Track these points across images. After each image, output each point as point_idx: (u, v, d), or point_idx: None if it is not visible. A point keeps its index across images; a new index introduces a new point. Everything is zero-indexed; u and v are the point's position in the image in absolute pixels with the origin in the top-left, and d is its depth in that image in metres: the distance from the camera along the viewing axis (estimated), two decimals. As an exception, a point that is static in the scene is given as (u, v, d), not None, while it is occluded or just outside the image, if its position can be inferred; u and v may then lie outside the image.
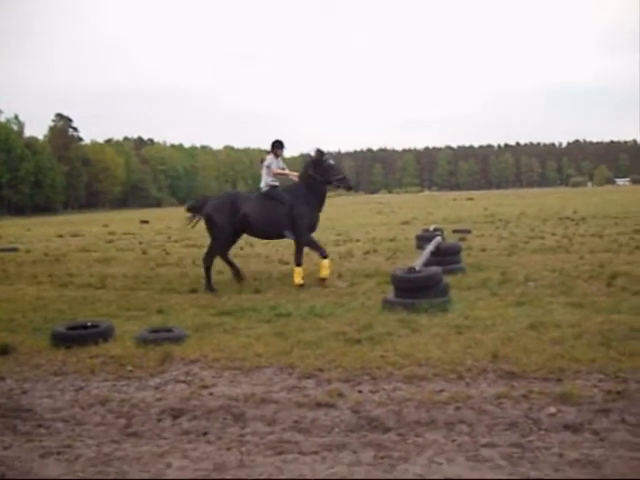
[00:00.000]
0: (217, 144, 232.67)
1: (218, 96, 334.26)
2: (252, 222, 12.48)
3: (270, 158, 12.90)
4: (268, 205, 12.52)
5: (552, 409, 5.11)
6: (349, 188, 13.32)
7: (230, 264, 13.07)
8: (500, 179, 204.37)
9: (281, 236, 12.75)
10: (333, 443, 4.66)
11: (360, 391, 5.74)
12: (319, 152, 12.76)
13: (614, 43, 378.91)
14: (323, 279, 12.01)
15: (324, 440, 4.73)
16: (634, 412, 4.97)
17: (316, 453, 4.51)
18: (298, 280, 12.01)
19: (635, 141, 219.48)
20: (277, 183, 12.89)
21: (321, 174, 12.57)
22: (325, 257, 12.22)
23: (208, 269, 12.38)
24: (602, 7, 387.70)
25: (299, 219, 12.36)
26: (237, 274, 12.85)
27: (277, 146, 13.08)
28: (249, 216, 12.43)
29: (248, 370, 6.50)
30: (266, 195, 12.69)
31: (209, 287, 11.99)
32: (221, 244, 12.82)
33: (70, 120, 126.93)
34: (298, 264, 12.29)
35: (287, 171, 13.28)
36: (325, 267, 12.10)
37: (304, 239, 12.48)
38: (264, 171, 12.95)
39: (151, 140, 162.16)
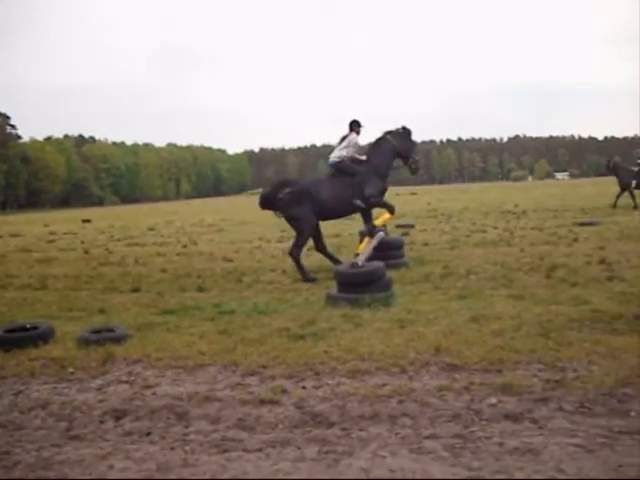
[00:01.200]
0: (160, 141, 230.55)
1: (159, 93, 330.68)
2: (329, 207, 12.66)
3: (357, 136, 13.17)
4: (338, 183, 12.85)
5: (493, 400, 5.19)
6: (416, 171, 13.85)
7: (328, 256, 13.10)
8: (443, 174, 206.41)
9: (353, 211, 13.16)
10: (277, 440, 4.66)
11: (304, 387, 5.75)
12: (407, 129, 13.43)
13: (554, 40, 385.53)
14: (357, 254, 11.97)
15: (268, 437, 4.72)
16: (571, 400, 5.09)
17: (260, 450, 4.50)
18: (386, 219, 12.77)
19: (573, 136, 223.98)
20: (364, 157, 13.18)
21: (404, 148, 13.24)
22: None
23: (298, 261, 12.22)
24: (524, 8, 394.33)
25: (370, 187, 12.75)
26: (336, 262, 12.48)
27: (358, 124, 13.25)
28: (325, 201, 12.59)
29: (191, 369, 6.46)
30: (337, 171, 13.11)
31: (306, 278, 11.83)
32: (307, 236, 12.77)
33: (7, 117, 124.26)
34: (371, 235, 12.54)
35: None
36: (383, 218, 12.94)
37: (376, 200, 12.89)
38: (342, 146, 13.09)
39: (92, 138, 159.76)
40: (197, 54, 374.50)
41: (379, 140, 13.39)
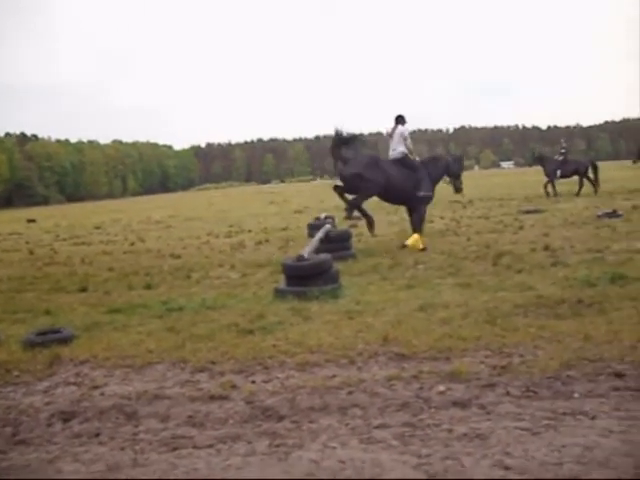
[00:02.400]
0: (105, 139, 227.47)
1: (104, 90, 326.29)
2: (393, 184, 13.94)
3: (406, 129, 14.38)
4: (404, 171, 14.16)
5: (441, 387, 5.24)
6: (459, 191, 16.00)
7: (365, 214, 14.39)
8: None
9: (405, 202, 14.57)
10: (228, 435, 4.65)
11: (253, 381, 5.74)
12: (461, 156, 16.51)
13: (499, 33, 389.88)
14: (405, 245, 13.49)
15: (218, 433, 4.71)
16: (517, 385, 5.17)
17: (211, 446, 4.48)
18: (418, 245, 13.41)
19: (517, 126, 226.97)
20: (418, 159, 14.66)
21: (455, 169, 15.40)
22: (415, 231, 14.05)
23: (361, 210, 14.17)
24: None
25: (425, 184, 14.22)
26: (371, 224, 14.42)
27: (403, 118, 14.48)
28: (391, 178, 13.88)
29: (140, 367, 6.39)
30: (400, 161, 14.23)
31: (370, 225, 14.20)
32: (366, 197, 14.15)
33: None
34: (415, 230, 14.11)
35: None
36: (415, 239, 13.64)
37: (425, 202, 14.50)
38: (398, 140, 14.29)
39: (35, 136, 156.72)
40: (141, 50, 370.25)
41: (437, 156, 15.64)
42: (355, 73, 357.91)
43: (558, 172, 28.48)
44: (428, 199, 14.53)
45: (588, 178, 28.49)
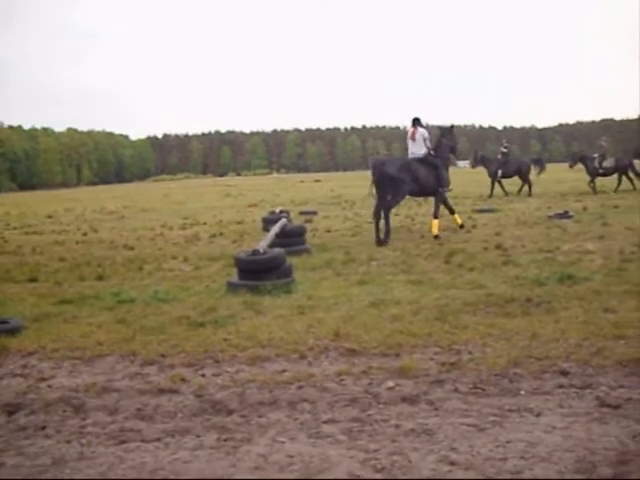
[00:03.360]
0: (60, 126, 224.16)
1: (58, 76, 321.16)
2: (420, 182, 14.92)
3: (425, 130, 15.51)
4: (428, 169, 15.11)
5: (390, 383, 5.29)
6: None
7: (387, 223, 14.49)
8: (347, 161, 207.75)
9: (431, 194, 15.60)
10: (176, 429, 4.63)
11: (203, 375, 5.72)
12: (453, 126, 16.78)
13: (464, 32, 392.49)
14: (436, 236, 14.58)
15: (167, 426, 4.68)
16: (465, 381, 5.24)
17: (159, 440, 4.45)
18: (435, 231, 14.77)
19: (474, 125, 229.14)
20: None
21: (454, 143, 16.38)
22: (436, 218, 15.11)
23: (377, 223, 14.36)
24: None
25: (443, 180, 15.34)
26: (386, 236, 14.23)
27: (420, 121, 15.67)
28: (420, 177, 14.89)
29: (89, 359, 6.33)
30: (424, 161, 15.17)
31: (379, 240, 13.92)
32: (400, 200, 15.14)
33: None
34: (436, 217, 15.14)
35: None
36: (435, 225, 14.92)
37: (445, 191, 15.71)
38: (420, 141, 15.33)
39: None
40: (98, 35, 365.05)
41: (441, 140, 15.91)
42: (312, 68, 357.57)
43: (499, 172, 29.01)
44: (445, 187, 15.74)
45: (525, 179, 29.58)
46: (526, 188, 29.24)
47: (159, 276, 11.04)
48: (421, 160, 15.15)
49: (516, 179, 30.06)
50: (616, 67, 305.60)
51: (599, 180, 29.02)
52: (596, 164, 28.82)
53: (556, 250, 11.90)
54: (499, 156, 30.38)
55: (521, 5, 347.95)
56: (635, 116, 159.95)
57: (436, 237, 14.51)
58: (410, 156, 15.38)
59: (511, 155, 32.24)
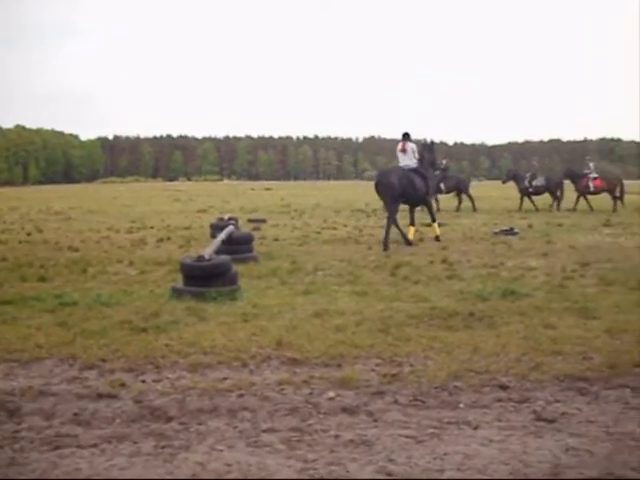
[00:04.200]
0: (7, 123, 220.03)
1: (7, 73, 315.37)
2: (417, 190, 16.15)
3: (414, 145, 16.78)
4: (420, 179, 16.30)
5: (331, 393, 5.29)
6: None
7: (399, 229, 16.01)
8: (298, 170, 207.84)
9: (423, 202, 17.13)
10: (114, 435, 4.56)
11: (143, 381, 5.66)
12: (434, 142, 18.26)
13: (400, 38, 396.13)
14: (437, 238, 16.75)
15: (104, 432, 4.61)
16: (406, 393, 5.27)
17: (95, 446, 4.38)
18: (437, 232, 17.03)
19: (425, 140, 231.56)
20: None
21: (434, 159, 17.88)
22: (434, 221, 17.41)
23: (397, 226, 15.89)
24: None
25: (431, 188, 17.05)
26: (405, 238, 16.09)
27: (409, 136, 16.83)
28: (416, 186, 16.09)
29: (26, 362, 6.20)
30: (417, 171, 16.38)
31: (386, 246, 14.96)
32: (398, 206, 16.22)
33: None
34: (434, 220, 17.47)
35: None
36: (436, 229, 17.16)
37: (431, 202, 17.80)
38: (411, 154, 16.52)
39: None
40: (48, 30, 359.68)
41: (423, 154, 16.94)
42: (265, 76, 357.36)
43: (442, 186, 29.52)
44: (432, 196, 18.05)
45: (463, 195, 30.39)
46: (468, 204, 29.84)
47: (103, 279, 10.89)
48: (415, 170, 16.31)
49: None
50: (565, 89, 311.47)
51: (540, 198, 29.78)
52: (527, 183, 29.75)
53: (500, 266, 12.07)
54: (437, 172, 30.85)
55: (470, 25, 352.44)
56: (581, 138, 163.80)
57: (437, 239, 16.67)
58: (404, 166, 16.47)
59: (450, 171, 32.95)
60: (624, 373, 5.75)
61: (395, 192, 15.78)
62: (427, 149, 17.39)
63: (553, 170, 31.34)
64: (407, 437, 4.43)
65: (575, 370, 5.79)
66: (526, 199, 29.64)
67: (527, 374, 5.71)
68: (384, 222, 16.32)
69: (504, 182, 32.01)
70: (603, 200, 29.14)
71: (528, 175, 30.13)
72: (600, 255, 13.40)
